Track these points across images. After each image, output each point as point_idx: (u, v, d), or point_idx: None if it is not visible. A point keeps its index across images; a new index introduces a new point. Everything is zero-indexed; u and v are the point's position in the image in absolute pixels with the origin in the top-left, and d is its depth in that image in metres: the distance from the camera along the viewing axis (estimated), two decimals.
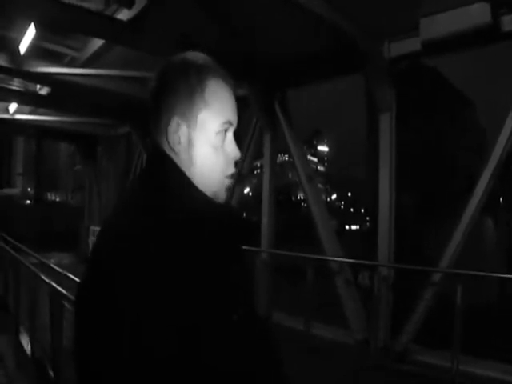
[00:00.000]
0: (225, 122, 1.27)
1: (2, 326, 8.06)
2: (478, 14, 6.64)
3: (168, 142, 1.25)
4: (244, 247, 1.38)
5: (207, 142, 1.25)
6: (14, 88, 13.94)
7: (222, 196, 1.28)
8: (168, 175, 1.22)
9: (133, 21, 7.77)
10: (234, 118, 1.30)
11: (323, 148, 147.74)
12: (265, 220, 10.97)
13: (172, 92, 1.24)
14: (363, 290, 8.82)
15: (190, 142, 1.24)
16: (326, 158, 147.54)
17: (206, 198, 1.24)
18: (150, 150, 1.30)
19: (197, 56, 1.29)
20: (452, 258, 7.22)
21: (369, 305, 8.27)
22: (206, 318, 1.07)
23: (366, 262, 8.58)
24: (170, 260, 1.06)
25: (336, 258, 9.08)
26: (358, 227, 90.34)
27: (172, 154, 1.25)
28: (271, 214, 11.00)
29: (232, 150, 1.29)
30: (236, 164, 1.32)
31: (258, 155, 11.79)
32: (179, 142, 1.24)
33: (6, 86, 13.65)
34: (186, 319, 1.03)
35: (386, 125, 8.21)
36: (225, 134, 1.28)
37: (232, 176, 1.30)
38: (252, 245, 10.11)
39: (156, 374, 0.99)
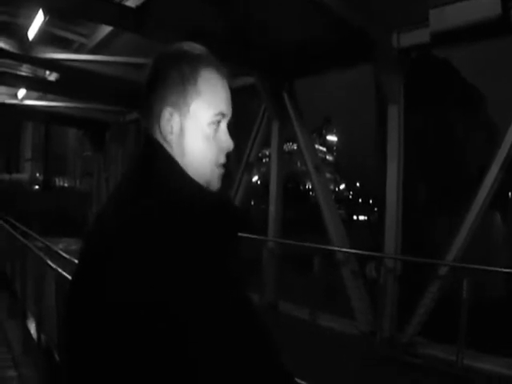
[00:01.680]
0: (218, 113, 1.26)
1: (9, 310, 8.15)
2: (488, 6, 6.57)
3: (160, 132, 1.24)
4: (239, 236, 1.33)
5: (199, 132, 1.24)
6: (22, 74, 13.96)
7: (214, 185, 1.28)
8: (160, 164, 1.21)
9: (141, 8, 7.76)
10: (227, 110, 1.29)
11: (332, 137, 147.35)
12: (272, 208, 10.98)
13: (165, 81, 1.23)
14: (370, 282, 8.80)
15: (182, 132, 1.23)
16: (334, 148, 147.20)
17: (198, 186, 1.23)
18: (143, 139, 1.29)
19: (191, 46, 1.28)
20: (459, 251, 7.17)
21: (375, 296, 8.26)
22: (198, 309, 1.04)
23: (373, 254, 8.54)
24: (162, 249, 1.04)
25: (342, 249, 9.06)
26: (365, 218, 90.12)
27: (164, 144, 1.24)
28: (278, 203, 10.99)
29: (225, 140, 1.28)
30: (228, 156, 1.30)
31: (267, 143, 11.74)
32: (171, 132, 1.23)
33: (14, 71, 13.70)
34: (178, 310, 1.01)
35: (395, 116, 8.16)
36: (218, 124, 1.27)
37: (224, 166, 1.29)
38: (252, 233, 10.15)
39: (148, 368, 0.99)
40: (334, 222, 9.58)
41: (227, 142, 1.28)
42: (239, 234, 1.31)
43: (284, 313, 9.29)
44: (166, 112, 1.22)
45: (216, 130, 1.26)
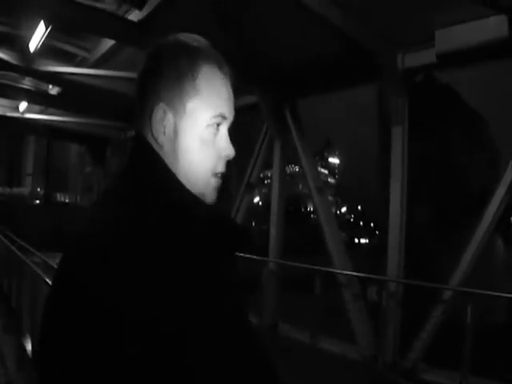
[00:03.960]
0: (217, 115, 1.12)
1: (4, 326, 8.05)
2: (494, 27, 6.52)
3: (152, 132, 1.11)
4: (237, 254, 1.22)
5: (195, 135, 1.11)
6: (24, 87, 13.98)
7: (210, 197, 1.14)
8: (150, 169, 1.09)
9: (143, 22, 7.74)
10: (228, 112, 1.15)
11: (334, 160, 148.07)
12: (273, 230, 10.89)
13: (160, 75, 1.10)
14: (372, 305, 8.70)
15: (175, 133, 1.10)
16: (336, 170, 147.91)
17: (192, 197, 1.11)
18: (133, 140, 1.16)
19: (191, 38, 1.15)
20: (463, 276, 7.06)
21: (377, 320, 8.12)
22: (192, 324, 0.94)
23: (375, 277, 8.43)
24: (147, 261, 0.93)
25: (344, 271, 8.96)
26: (367, 241, 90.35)
27: (156, 146, 1.11)
28: (279, 224, 10.91)
29: (224, 147, 1.14)
30: (228, 163, 1.17)
31: (269, 165, 11.68)
32: (164, 133, 1.10)
33: (16, 84, 13.70)
34: (168, 324, 0.91)
35: (399, 137, 8.08)
36: (217, 128, 1.14)
37: (221, 175, 1.16)
38: (251, 253, 10.07)
39: (140, 378, 0.90)
40: (335, 243, 9.48)
41: (227, 149, 1.15)
42: (238, 249, 1.19)
43: (283, 335, 9.18)
44: (159, 109, 1.09)
45: (215, 135, 1.13)
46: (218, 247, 1.09)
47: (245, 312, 1.12)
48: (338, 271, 9.00)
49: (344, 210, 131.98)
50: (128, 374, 0.89)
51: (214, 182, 1.14)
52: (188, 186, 1.10)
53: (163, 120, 1.09)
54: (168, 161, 1.10)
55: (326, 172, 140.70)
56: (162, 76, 1.09)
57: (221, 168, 1.15)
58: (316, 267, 8.80)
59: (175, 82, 1.09)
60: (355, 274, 8.96)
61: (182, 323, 0.93)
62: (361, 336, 8.39)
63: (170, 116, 1.09)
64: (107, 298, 0.90)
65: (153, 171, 1.08)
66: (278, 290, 10.20)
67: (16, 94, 14.43)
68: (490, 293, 6.90)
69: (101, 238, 0.96)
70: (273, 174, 11.34)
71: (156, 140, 1.10)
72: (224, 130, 1.15)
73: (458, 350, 6.31)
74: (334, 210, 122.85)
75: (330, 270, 9.06)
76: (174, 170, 1.10)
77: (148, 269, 0.92)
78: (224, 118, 1.14)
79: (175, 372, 0.92)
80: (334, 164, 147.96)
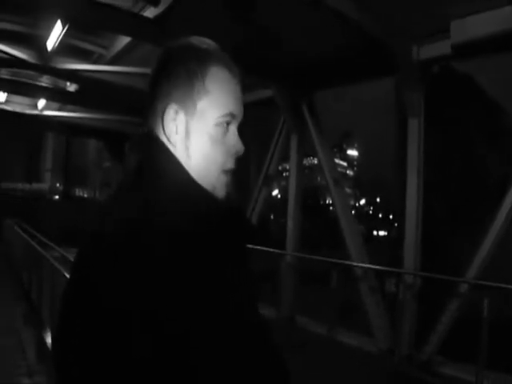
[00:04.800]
0: (227, 114, 1.17)
1: (25, 319, 8.17)
2: (510, 17, 6.44)
3: (164, 132, 1.15)
4: (250, 247, 1.27)
5: (206, 134, 1.16)
6: (42, 84, 14.08)
7: (221, 191, 1.18)
8: (165, 167, 1.13)
9: (159, 18, 7.76)
10: (237, 111, 1.20)
11: (353, 152, 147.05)
12: (290, 223, 10.91)
13: (171, 76, 1.15)
14: (390, 298, 8.68)
15: (187, 132, 1.15)
16: (355, 162, 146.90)
17: (204, 192, 1.15)
18: (145, 139, 1.19)
19: (200, 40, 1.20)
20: (480, 268, 7.01)
21: (394, 313, 8.11)
22: (195, 322, 0.97)
23: (391, 269, 8.40)
24: (162, 259, 0.97)
25: (361, 264, 8.94)
26: (385, 233, 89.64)
27: (168, 145, 1.15)
28: (296, 217, 10.93)
29: (234, 143, 1.19)
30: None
31: (288, 157, 11.67)
32: (176, 132, 1.15)
33: (34, 82, 13.82)
34: (178, 323, 0.95)
35: (415, 129, 8.05)
36: (227, 126, 1.18)
37: (231, 171, 1.21)
38: (269, 246, 10.11)
39: (145, 375, 0.93)
40: (352, 236, 9.46)
41: (237, 146, 1.20)
42: (248, 243, 1.23)
43: (301, 327, 9.21)
44: (171, 109, 1.14)
45: (225, 132, 1.18)
46: (227, 244, 1.12)
47: (253, 309, 1.15)
48: (355, 264, 9.00)
49: (363, 202, 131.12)
50: (136, 372, 0.93)
51: (224, 178, 1.19)
52: (200, 181, 1.14)
53: (175, 119, 1.14)
54: (180, 158, 1.14)
55: (345, 164, 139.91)
56: (172, 77, 1.14)
57: (230, 164, 1.19)
58: (332, 260, 8.80)
59: (186, 83, 1.14)
60: (371, 266, 8.92)
61: (186, 322, 0.96)
62: (378, 329, 8.38)
63: (181, 115, 1.14)
64: (115, 297, 0.94)
65: (167, 169, 1.12)
66: (295, 283, 10.21)
67: (34, 91, 14.56)
68: (507, 286, 6.86)
69: (113, 236, 1.00)
70: (290, 167, 11.35)
71: (169, 139, 1.15)
72: (233, 127, 1.20)
73: (474, 343, 6.28)
74: (352, 203, 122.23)
75: (346, 262, 9.06)
76: (186, 166, 1.14)
77: (156, 268, 0.96)
78: (233, 116, 1.19)
79: (179, 371, 0.95)
80: (353, 156, 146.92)
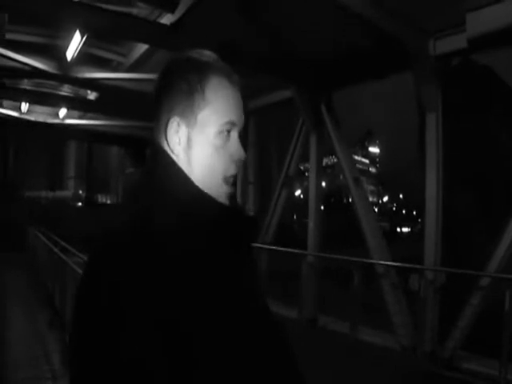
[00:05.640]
0: (227, 122, 1.22)
1: (50, 324, 8.28)
2: None
3: (168, 143, 1.22)
4: (254, 246, 1.35)
5: (208, 143, 1.21)
6: (63, 93, 14.26)
7: (224, 197, 1.24)
8: (169, 177, 1.19)
9: (175, 25, 7.83)
10: (238, 119, 1.25)
11: (375, 149, 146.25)
12: (311, 223, 10.92)
13: (172, 90, 1.21)
14: (414, 294, 8.65)
15: (189, 143, 1.21)
16: (377, 159, 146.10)
17: (208, 198, 1.20)
18: (152, 151, 1.27)
19: (200, 53, 1.25)
20: (501, 261, 6.92)
21: (416, 310, 8.10)
22: (202, 320, 1.04)
23: (412, 266, 8.35)
24: (166, 264, 1.03)
25: (381, 262, 8.92)
26: (409, 229, 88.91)
27: (172, 155, 1.22)
28: (317, 217, 10.92)
29: (236, 150, 1.24)
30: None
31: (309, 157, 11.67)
32: (179, 143, 1.21)
33: (55, 91, 14.00)
34: (181, 324, 1.01)
35: (433, 124, 7.99)
36: (228, 134, 1.23)
37: (234, 177, 1.26)
38: (292, 246, 10.10)
39: (151, 376, 0.97)
40: (373, 234, 9.43)
41: (238, 152, 1.25)
42: (252, 244, 1.31)
43: (323, 327, 9.23)
44: (174, 122, 1.20)
45: (226, 140, 1.23)
46: (231, 246, 1.19)
47: (257, 305, 1.21)
48: (375, 261, 8.99)
49: (386, 199, 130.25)
50: (145, 369, 0.97)
51: (228, 184, 1.24)
52: (204, 188, 1.20)
53: (177, 131, 1.20)
54: (184, 168, 1.20)
55: (367, 161, 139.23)
56: (174, 91, 1.20)
57: (233, 171, 1.24)
58: (353, 259, 8.78)
59: (187, 96, 1.20)
60: (392, 263, 8.86)
61: (191, 321, 1.01)
62: (399, 326, 8.35)
63: (183, 127, 1.20)
64: (120, 297, 0.98)
65: (172, 179, 1.19)
66: (317, 284, 10.22)
67: (55, 101, 14.73)
68: None
69: (121, 239, 1.06)
70: (310, 167, 11.35)
71: (172, 150, 1.21)
72: (235, 135, 1.25)
73: (497, 337, 6.24)
74: (376, 200, 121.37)
75: (367, 260, 9.00)
76: (190, 175, 1.20)
77: (162, 271, 1.01)
78: (233, 124, 1.24)
79: (186, 368, 1.00)
80: (375, 153, 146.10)
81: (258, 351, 1.13)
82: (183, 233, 1.10)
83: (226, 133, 1.23)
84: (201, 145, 1.21)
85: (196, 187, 1.19)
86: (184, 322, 1.01)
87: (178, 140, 1.21)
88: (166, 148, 1.22)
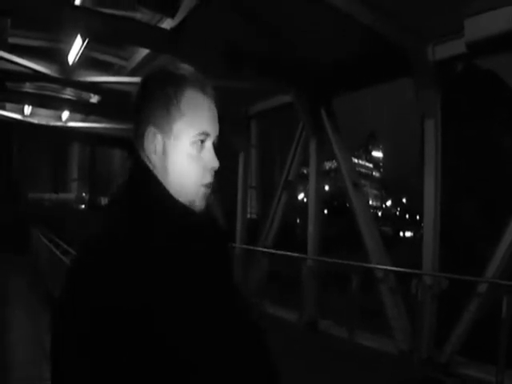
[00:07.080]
0: (201, 133, 1.27)
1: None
2: None
3: (145, 152, 1.27)
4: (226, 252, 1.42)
5: (182, 152, 1.26)
6: (65, 97, 14.31)
7: (198, 204, 1.28)
8: (145, 184, 1.25)
9: (175, 29, 7.88)
10: (211, 129, 1.30)
11: (378, 153, 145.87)
12: (311, 227, 10.93)
13: (149, 102, 1.26)
14: (412, 299, 8.65)
15: (165, 152, 1.26)
16: (381, 164, 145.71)
17: (181, 206, 1.26)
18: (130, 159, 1.32)
19: (176, 66, 1.30)
20: (499, 267, 6.91)
21: (414, 314, 8.10)
22: (186, 324, 1.11)
23: (411, 271, 8.34)
24: (142, 270, 1.08)
25: (379, 266, 8.92)
26: (412, 234, 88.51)
27: (148, 164, 1.27)
28: (317, 221, 10.94)
29: (209, 159, 1.29)
30: (214, 174, 1.31)
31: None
32: (155, 152, 1.26)
33: (58, 95, 14.06)
34: (154, 325, 1.06)
35: (431, 130, 7.99)
36: (202, 144, 1.28)
37: (209, 185, 1.30)
38: (292, 250, 10.09)
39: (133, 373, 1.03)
40: (372, 238, 9.43)
41: (212, 161, 1.29)
42: (225, 250, 1.38)
43: (323, 331, 9.25)
44: (150, 132, 1.25)
45: (200, 150, 1.28)
46: (204, 251, 1.25)
47: (229, 306, 1.26)
48: (373, 266, 8.99)
49: (389, 203, 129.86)
50: (129, 369, 1.02)
51: (203, 192, 1.29)
52: (179, 196, 1.25)
53: (154, 141, 1.25)
54: (160, 176, 1.25)
55: (371, 166, 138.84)
56: (151, 102, 1.26)
57: (208, 179, 1.29)
58: (352, 263, 8.80)
59: (162, 108, 1.25)
60: (391, 268, 8.86)
61: (170, 322, 1.07)
62: (397, 330, 8.33)
63: (159, 137, 1.25)
64: (98, 296, 1.04)
65: (147, 186, 1.24)
66: (317, 287, 10.24)
67: (58, 104, 14.81)
68: None
69: (99, 242, 1.13)
70: (309, 172, 11.36)
71: (149, 158, 1.26)
72: (208, 144, 1.30)
73: (494, 343, 6.25)
74: (379, 204, 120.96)
75: (365, 265, 9.03)
76: (165, 183, 1.25)
77: (133, 270, 1.07)
78: (207, 135, 1.29)
79: (168, 366, 1.06)
80: (378, 157, 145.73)
81: (228, 349, 1.18)
82: (155, 236, 1.15)
83: (199, 143, 1.28)
84: (176, 154, 1.26)
85: (167, 193, 1.25)
86: (157, 323, 1.05)
87: (154, 149, 1.26)
88: (144, 156, 1.27)
